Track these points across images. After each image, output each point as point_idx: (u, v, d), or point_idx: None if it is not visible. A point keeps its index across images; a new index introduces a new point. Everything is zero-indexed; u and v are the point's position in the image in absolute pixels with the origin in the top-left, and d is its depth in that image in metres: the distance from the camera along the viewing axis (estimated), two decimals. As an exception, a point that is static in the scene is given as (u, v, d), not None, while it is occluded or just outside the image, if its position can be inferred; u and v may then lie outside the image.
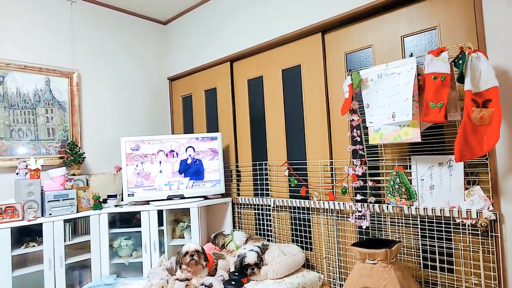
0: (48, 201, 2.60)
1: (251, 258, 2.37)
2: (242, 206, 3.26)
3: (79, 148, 3.14)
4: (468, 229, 1.95)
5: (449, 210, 1.94)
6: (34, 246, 2.54)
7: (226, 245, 2.84)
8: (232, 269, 2.45)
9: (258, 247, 2.52)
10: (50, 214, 2.60)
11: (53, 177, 2.73)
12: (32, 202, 2.57)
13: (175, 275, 2.29)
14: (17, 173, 2.67)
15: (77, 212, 2.75)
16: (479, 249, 1.92)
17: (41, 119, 3.03)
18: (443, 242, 2.05)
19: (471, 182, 1.92)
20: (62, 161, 3.06)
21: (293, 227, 2.85)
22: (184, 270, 2.25)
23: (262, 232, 3.08)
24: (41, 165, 2.68)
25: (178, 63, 3.91)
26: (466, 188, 1.92)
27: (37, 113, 3.01)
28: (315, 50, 2.68)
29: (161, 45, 4.05)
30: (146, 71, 3.87)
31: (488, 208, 1.83)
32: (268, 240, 2.97)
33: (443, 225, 2.04)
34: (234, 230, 2.98)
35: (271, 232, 3.01)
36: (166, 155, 3.08)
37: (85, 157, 3.15)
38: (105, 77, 3.51)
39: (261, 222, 3.09)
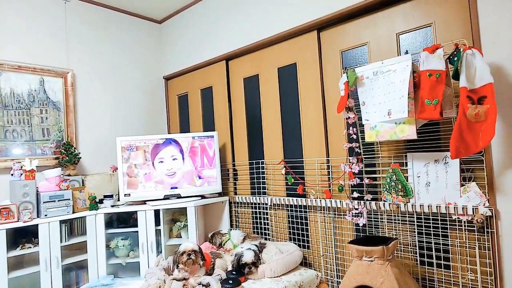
0: (44, 202, 2.58)
1: (248, 257, 2.37)
2: (239, 205, 3.25)
3: (75, 148, 3.12)
4: (464, 226, 1.96)
5: (445, 207, 1.95)
6: (30, 247, 2.52)
7: (224, 244, 2.84)
8: (230, 268, 2.44)
9: (256, 245, 2.52)
10: (45, 215, 2.58)
11: (48, 177, 2.71)
12: (27, 203, 2.55)
13: (172, 275, 2.28)
14: (12, 174, 2.65)
15: (73, 212, 2.74)
16: (475, 245, 1.93)
17: (35, 120, 3.00)
18: (439, 239, 2.06)
19: (467, 178, 1.93)
20: (57, 161, 3.04)
21: (290, 225, 2.85)
22: (181, 270, 2.24)
23: (259, 230, 3.08)
24: (36, 166, 2.67)
25: (174, 62, 3.90)
26: (462, 185, 1.93)
27: (32, 113, 2.99)
28: (311, 48, 2.67)
29: (156, 44, 4.03)
30: (141, 70, 3.85)
31: (484, 205, 1.84)
32: (266, 239, 2.97)
33: (439, 222, 2.05)
34: (231, 229, 2.97)
35: (268, 230, 3.01)
36: (167, 175, 3.05)
37: (80, 158, 3.13)
38: (100, 76, 3.49)
39: (258, 220, 3.09)
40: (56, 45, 3.19)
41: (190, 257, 2.23)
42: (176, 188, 3.05)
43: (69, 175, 3.01)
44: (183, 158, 3.08)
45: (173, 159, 3.08)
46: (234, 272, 2.34)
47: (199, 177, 3.11)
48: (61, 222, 2.65)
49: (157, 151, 3.05)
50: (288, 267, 2.45)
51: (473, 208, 1.86)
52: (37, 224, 2.52)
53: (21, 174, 2.63)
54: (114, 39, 3.63)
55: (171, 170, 3.06)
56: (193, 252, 2.25)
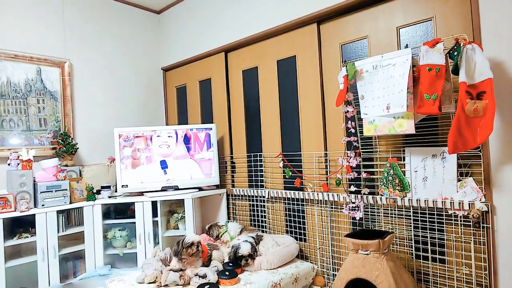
0: (41, 192, 2.58)
1: (245, 249, 2.38)
2: (237, 197, 3.26)
3: (72, 138, 3.10)
4: (460, 220, 1.97)
5: (442, 202, 1.96)
6: (27, 237, 2.53)
7: (221, 236, 2.85)
8: (227, 260, 2.45)
9: (252, 237, 2.53)
10: (43, 205, 2.58)
11: (46, 168, 2.70)
12: (24, 193, 2.55)
13: (169, 265, 2.29)
14: (9, 164, 2.64)
15: (71, 203, 2.74)
16: (471, 240, 1.94)
17: (32, 109, 2.98)
18: (435, 233, 2.07)
19: (464, 173, 1.93)
20: (54, 151, 3.03)
21: (287, 218, 2.86)
22: (184, 260, 2.25)
23: (256, 223, 3.09)
24: (33, 156, 2.66)
25: (172, 53, 3.87)
26: (458, 180, 1.93)
27: (29, 103, 2.97)
28: (311, 41, 2.65)
29: (154, 34, 3.99)
30: (139, 61, 3.82)
31: (480, 200, 1.85)
32: (263, 231, 2.99)
33: (435, 216, 2.06)
34: (228, 221, 2.98)
35: (265, 223, 3.02)
36: (160, 146, 3.06)
37: (77, 148, 3.12)
38: (97, 66, 3.46)
39: (255, 213, 3.10)
40: (53, 34, 3.15)
41: (198, 248, 2.25)
42: (174, 179, 3.05)
43: (66, 165, 3.00)
44: (176, 137, 3.12)
45: (169, 136, 3.11)
46: (230, 264, 2.35)
47: (197, 169, 3.11)
48: (58, 212, 2.65)
49: (155, 142, 3.06)
50: (285, 260, 2.46)
51: (469, 203, 1.87)
52: (34, 214, 2.52)
53: (18, 164, 2.63)
54: (112, 29, 3.59)
55: (166, 143, 3.07)
56: (200, 244, 2.28)
